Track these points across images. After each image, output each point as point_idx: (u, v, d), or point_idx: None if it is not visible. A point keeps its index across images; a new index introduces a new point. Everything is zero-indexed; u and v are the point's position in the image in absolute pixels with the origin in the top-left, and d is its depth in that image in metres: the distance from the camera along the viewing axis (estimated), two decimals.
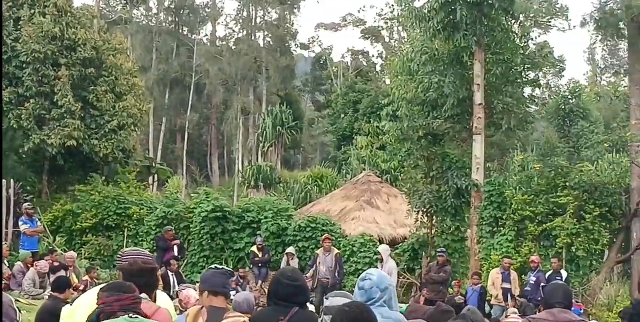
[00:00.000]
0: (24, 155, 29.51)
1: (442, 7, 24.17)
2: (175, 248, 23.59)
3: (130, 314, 5.64)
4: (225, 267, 8.21)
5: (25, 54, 28.94)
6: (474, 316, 9.45)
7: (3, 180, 28.94)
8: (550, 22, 28.78)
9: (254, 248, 25.31)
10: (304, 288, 7.53)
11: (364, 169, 41.39)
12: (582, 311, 19.30)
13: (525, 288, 21.55)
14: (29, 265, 20.95)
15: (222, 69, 67.16)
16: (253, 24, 71.85)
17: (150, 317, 6.08)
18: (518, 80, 26.93)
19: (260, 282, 24.55)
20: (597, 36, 41.15)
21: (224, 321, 7.60)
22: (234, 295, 10.45)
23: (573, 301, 19.11)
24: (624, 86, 51.06)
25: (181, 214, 28.16)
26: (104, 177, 30.72)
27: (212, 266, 8.31)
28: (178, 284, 19.77)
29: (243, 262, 26.51)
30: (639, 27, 25.64)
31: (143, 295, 6.87)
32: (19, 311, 9.59)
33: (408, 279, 26.12)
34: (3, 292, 7.27)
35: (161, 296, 7.62)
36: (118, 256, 7.54)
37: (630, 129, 26.51)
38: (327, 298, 7.50)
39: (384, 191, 35.13)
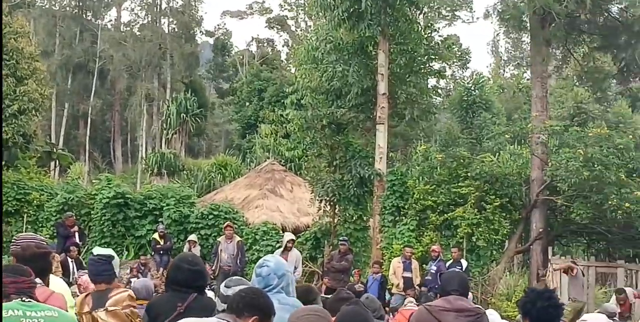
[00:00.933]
0: None
1: None
2: (76, 235, 23.39)
3: (23, 298, 5.57)
4: (104, 252, 8.16)
5: None
6: (371, 304, 9.53)
7: None
8: (455, 14, 29.12)
9: (156, 235, 25.12)
10: (203, 273, 7.53)
11: (268, 158, 41.44)
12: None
13: (426, 277, 21.73)
14: None
15: (126, 55, 66.45)
16: (158, 10, 71.24)
17: (44, 302, 6.00)
18: (422, 71, 27.24)
19: (161, 269, 24.33)
20: (501, 28, 41.76)
21: (109, 300, 7.59)
22: (134, 281, 10.46)
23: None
24: (527, 79, 51.96)
25: (82, 200, 27.89)
26: (3, 162, 30.22)
27: (94, 252, 8.27)
28: (77, 270, 19.64)
29: (145, 250, 26.37)
30: (541, 20, 26.07)
31: (37, 280, 6.80)
32: None
33: (310, 267, 26.20)
34: None
35: (55, 280, 7.55)
36: (13, 241, 7.41)
37: (532, 120, 26.98)
38: (228, 286, 7.49)
39: (287, 179, 35.20)
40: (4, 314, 5.36)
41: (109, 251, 8.11)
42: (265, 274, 7.16)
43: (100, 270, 7.87)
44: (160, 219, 26.85)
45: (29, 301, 5.55)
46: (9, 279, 5.73)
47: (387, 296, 21.74)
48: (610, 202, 23.76)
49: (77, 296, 8.79)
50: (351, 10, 24.41)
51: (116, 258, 8.11)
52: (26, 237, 7.50)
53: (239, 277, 7.62)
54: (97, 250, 8.27)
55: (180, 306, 7.02)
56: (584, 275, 21.86)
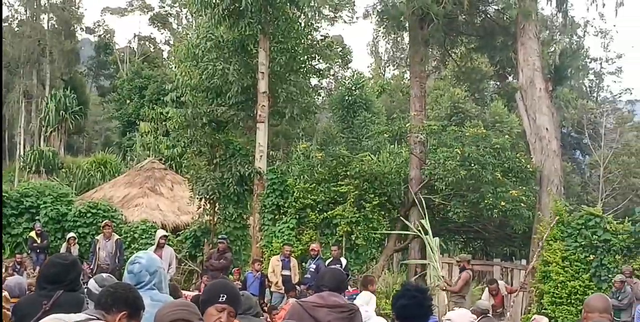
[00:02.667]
0: None
1: None
2: None
3: None
4: None
5: None
6: (247, 300, 9.47)
7: None
8: (336, 14, 29.25)
9: (33, 234, 24.73)
10: (75, 267, 7.41)
11: (149, 156, 41.15)
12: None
13: (306, 276, 21.73)
14: None
15: (4, 51, 65.30)
16: (37, 5, 70.01)
17: None
18: (302, 69, 27.28)
19: (38, 268, 23.99)
20: (380, 29, 42.09)
21: None
22: (7, 280, 10.24)
23: (354, 288, 19.54)
24: (407, 79, 52.54)
25: None
26: None
27: None
28: None
29: (21, 248, 25.91)
30: (420, 21, 26.39)
31: None
32: None
33: (190, 266, 26.08)
34: None
35: None
36: None
37: (410, 120, 27.29)
38: (98, 284, 7.39)
39: (168, 178, 35.04)
40: None
41: None
42: (137, 270, 7.08)
43: None
44: (37, 217, 26.44)
45: None
46: None
47: (268, 295, 21.73)
48: (486, 201, 24.20)
49: None
50: (231, 8, 24.33)
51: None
52: None
53: (109, 275, 7.52)
54: None
55: (46, 303, 6.90)
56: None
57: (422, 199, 25.70)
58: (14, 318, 7.27)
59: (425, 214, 24.92)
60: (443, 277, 23.63)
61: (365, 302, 11.42)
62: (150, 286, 7.03)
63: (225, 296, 5.94)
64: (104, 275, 8.24)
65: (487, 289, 17.48)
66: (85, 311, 5.78)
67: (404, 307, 7.48)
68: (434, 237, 25.02)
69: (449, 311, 17.50)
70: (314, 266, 21.35)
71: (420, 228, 24.40)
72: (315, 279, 8.49)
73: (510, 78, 32.37)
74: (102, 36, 79.51)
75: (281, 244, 23.63)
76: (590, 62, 53.27)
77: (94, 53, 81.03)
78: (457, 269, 22.85)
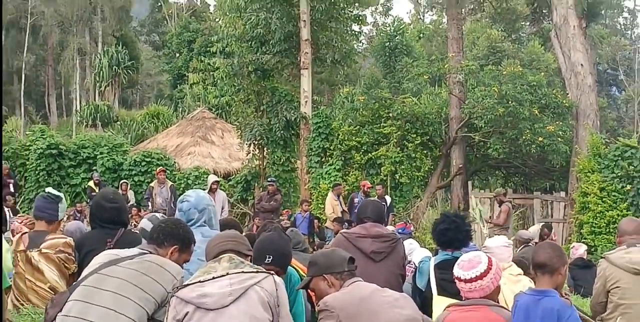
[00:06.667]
0: None
1: None
2: (11, 185, 23.28)
3: None
4: (51, 191, 8.12)
5: None
6: (295, 236, 9.62)
7: None
8: None
9: (91, 183, 24.90)
10: (124, 209, 7.55)
11: (199, 106, 41.26)
12: (409, 231, 19.69)
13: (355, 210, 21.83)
14: None
15: (57, 10, 65.29)
16: None
17: None
18: (342, 16, 27.11)
19: None
20: None
21: (45, 243, 7.54)
22: (67, 224, 10.39)
23: (401, 223, 19.54)
24: (445, 22, 52.09)
25: (17, 151, 27.62)
26: None
27: (45, 190, 8.23)
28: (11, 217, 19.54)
29: (80, 197, 26.15)
30: None
31: None
32: None
33: (241, 209, 26.27)
34: None
35: None
36: None
37: (448, 61, 27.15)
38: (151, 222, 7.50)
39: (218, 126, 35.16)
40: None
41: (59, 194, 8.06)
42: (186, 208, 7.18)
43: (45, 207, 7.83)
44: (94, 168, 26.68)
45: None
46: None
47: (328, 233, 21.66)
48: (524, 137, 24.09)
49: (11, 240, 8.74)
50: None
51: (64, 202, 8.06)
52: None
53: (162, 214, 7.63)
54: (50, 190, 8.22)
55: (110, 241, 7.03)
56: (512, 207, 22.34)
57: (463, 137, 25.72)
58: (78, 255, 7.40)
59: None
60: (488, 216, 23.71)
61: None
62: (201, 223, 7.12)
63: (271, 257, 6.05)
64: (157, 214, 8.37)
65: (539, 227, 17.33)
66: (138, 246, 5.89)
67: (444, 231, 7.55)
68: (474, 173, 25.06)
69: None
70: (359, 200, 21.35)
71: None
72: (357, 212, 8.55)
73: (545, 18, 32.01)
74: None
75: (329, 186, 23.71)
76: (624, 2, 52.35)
77: (146, 10, 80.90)
78: (494, 204, 22.90)
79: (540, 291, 5.74)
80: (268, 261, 5.98)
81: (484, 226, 22.17)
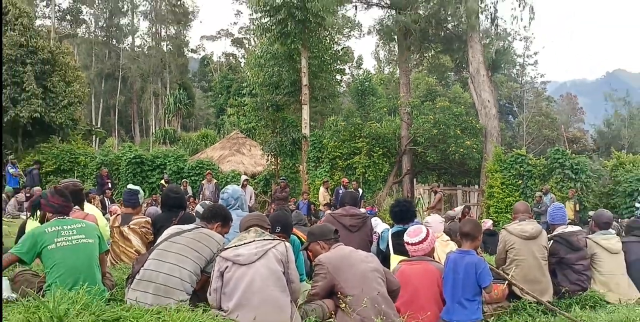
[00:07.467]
0: (4, 125, 28.40)
1: (280, 23, 24.02)
2: (109, 183, 23.30)
3: (59, 217, 5.50)
4: (134, 187, 8.17)
5: (2, 56, 27.67)
6: (299, 216, 9.65)
7: None
8: (349, 33, 29.00)
9: (162, 181, 24.88)
10: (183, 198, 7.60)
11: (234, 130, 41.22)
12: (374, 212, 19.69)
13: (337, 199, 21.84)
14: (9, 196, 20.37)
15: (139, 66, 65.37)
16: (159, 36, 69.92)
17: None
18: (329, 70, 27.10)
19: None
20: (379, 41, 41.56)
21: (132, 221, 7.58)
22: (149, 208, 10.48)
23: (369, 206, 19.32)
24: (397, 73, 52.15)
25: (113, 160, 27.61)
26: (60, 138, 29.95)
27: (128, 187, 8.26)
28: (110, 204, 19.51)
29: (155, 191, 26.09)
30: (404, 34, 26.20)
31: (76, 207, 6.74)
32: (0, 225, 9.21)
33: (263, 198, 26.25)
34: None
35: (89, 207, 7.55)
36: (61, 184, 7.34)
37: (400, 99, 27.21)
38: (202, 207, 7.52)
39: (247, 143, 35.08)
40: (46, 231, 5.31)
41: (137, 188, 8.12)
42: (226, 197, 7.22)
43: (129, 198, 7.90)
44: (164, 171, 26.62)
45: (63, 218, 5.49)
46: (55, 199, 5.65)
47: (320, 214, 21.60)
48: (450, 149, 24.17)
49: (109, 218, 8.75)
50: (282, 31, 24.20)
51: (141, 193, 8.13)
52: (66, 181, 7.48)
53: (210, 202, 7.65)
54: (131, 186, 8.28)
55: (174, 219, 7.06)
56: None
57: (410, 149, 25.73)
58: (154, 228, 7.45)
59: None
60: (427, 202, 23.72)
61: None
62: (236, 207, 7.16)
63: (279, 227, 6.10)
64: (206, 202, 8.40)
65: (462, 208, 17.39)
66: (194, 223, 5.93)
67: (398, 212, 7.56)
68: (417, 174, 25.07)
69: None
70: (341, 192, 21.39)
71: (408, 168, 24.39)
72: (340, 199, 8.57)
73: (464, 70, 32.11)
74: (203, 55, 79.20)
75: (321, 182, 23.68)
76: (516, 58, 52.43)
77: (197, 66, 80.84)
78: (431, 194, 22.92)
79: (465, 251, 5.79)
80: (278, 230, 6.05)
81: (423, 209, 22.22)
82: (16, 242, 6.11)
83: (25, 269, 5.99)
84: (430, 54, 33.69)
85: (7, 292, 5.28)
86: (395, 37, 27.73)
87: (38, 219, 6.81)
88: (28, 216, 9.81)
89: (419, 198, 24.23)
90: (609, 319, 6.34)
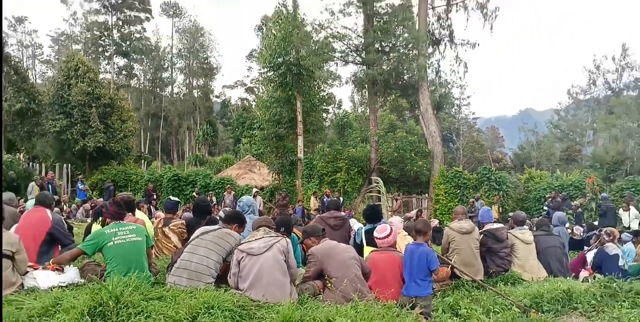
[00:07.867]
0: (75, 152, 28.30)
1: (280, 76, 24.11)
2: (154, 195, 23.09)
3: (116, 222, 5.47)
4: (173, 198, 8.10)
5: (74, 102, 27.60)
6: (296, 219, 9.53)
7: (64, 164, 27.57)
8: (332, 82, 29.11)
9: (194, 193, 24.70)
10: (209, 206, 7.51)
11: (247, 154, 41.09)
12: (352, 215, 19.59)
13: (325, 205, 21.69)
14: (79, 205, 20.20)
15: (177, 108, 65.13)
16: (192, 86, 69.76)
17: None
18: (317, 109, 27.14)
19: None
20: (354, 88, 41.62)
21: (171, 223, 7.50)
22: (184, 214, 10.34)
23: (347, 210, 19.11)
24: (368, 112, 52.22)
25: (157, 178, 27.37)
26: (117, 162, 29.76)
27: (169, 198, 8.19)
28: (155, 211, 19.32)
29: (189, 201, 25.82)
30: (372, 83, 26.29)
31: (129, 213, 6.67)
32: (72, 228, 9.10)
33: (269, 205, 26.09)
34: (57, 214, 6.85)
35: (138, 213, 7.48)
36: (118, 196, 7.28)
37: (370, 131, 27.22)
38: (224, 213, 7.43)
39: (257, 164, 34.86)
40: (106, 232, 5.28)
41: (176, 199, 8.05)
42: (242, 205, 7.20)
43: (170, 206, 7.83)
44: (195, 186, 26.42)
45: (119, 222, 5.46)
46: (113, 208, 5.61)
47: (312, 217, 21.46)
48: (407, 167, 24.15)
49: (154, 221, 8.66)
50: (283, 82, 24.29)
51: (178, 203, 8.05)
52: (122, 194, 7.43)
53: (229, 209, 7.60)
54: (171, 197, 8.21)
55: (202, 222, 6.99)
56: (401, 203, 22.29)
57: (378, 168, 25.70)
58: (188, 229, 7.36)
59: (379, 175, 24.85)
60: (390, 206, 23.66)
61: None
62: (249, 212, 7.12)
63: (283, 228, 6.05)
64: (227, 209, 8.33)
65: (416, 211, 17.39)
66: (218, 224, 5.87)
67: (369, 214, 7.52)
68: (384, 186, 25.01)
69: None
70: (327, 200, 21.25)
71: (378, 182, 24.35)
72: (326, 205, 8.52)
73: (417, 109, 32.24)
74: (224, 99, 78.96)
75: (312, 193, 23.55)
76: (454, 100, 52.64)
77: (219, 107, 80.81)
78: (393, 201, 22.83)
79: (419, 243, 5.75)
80: (282, 230, 5.98)
81: (388, 212, 22.13)
82: (83, 240, 6.04)
83: (90, 261, 5.93)
84: (391, 98, 33.91)
85: (77, 278, 5.27)
86: (366, 85, 27.79)
87: (100, 223, 6.77)
88: (92, 220, 9.72)
89: (385, 203, 24.14)
90: (525, 292, 6.40)
